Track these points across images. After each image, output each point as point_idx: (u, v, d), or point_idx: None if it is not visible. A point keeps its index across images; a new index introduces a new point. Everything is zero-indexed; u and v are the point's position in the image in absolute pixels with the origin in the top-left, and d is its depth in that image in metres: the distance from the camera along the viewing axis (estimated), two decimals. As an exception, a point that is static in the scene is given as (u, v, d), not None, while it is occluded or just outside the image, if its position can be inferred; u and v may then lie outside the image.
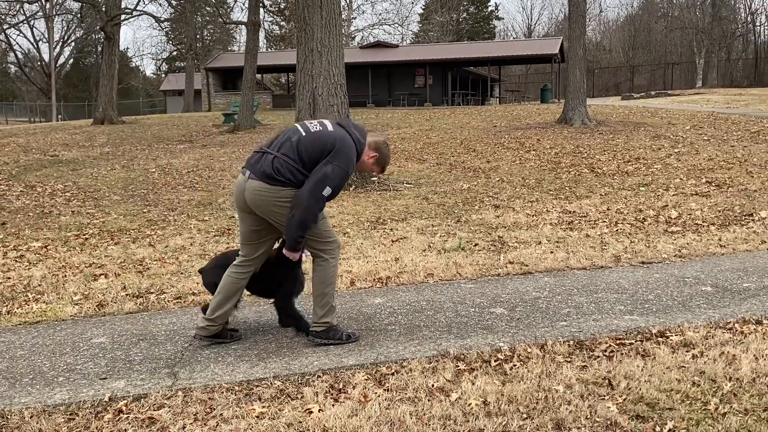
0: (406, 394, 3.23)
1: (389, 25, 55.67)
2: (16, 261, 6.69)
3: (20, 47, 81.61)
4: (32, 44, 71.02)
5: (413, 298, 4.91)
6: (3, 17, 40.00)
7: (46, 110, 48.02)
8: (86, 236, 7.91)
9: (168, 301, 5.10)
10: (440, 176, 11.91)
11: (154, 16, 31.29)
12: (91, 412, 3.17)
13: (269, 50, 47.30)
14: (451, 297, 4.91)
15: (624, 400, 3.10)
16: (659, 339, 3.87)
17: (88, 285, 5.64)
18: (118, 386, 3.44)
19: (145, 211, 9.65)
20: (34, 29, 58.83)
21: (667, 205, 8.59)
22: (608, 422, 2.90)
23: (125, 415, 3.12)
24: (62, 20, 49.42)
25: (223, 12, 40.04)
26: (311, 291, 3.97)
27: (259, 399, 3.25)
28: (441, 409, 3.06)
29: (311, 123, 3.89)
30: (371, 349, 3.84)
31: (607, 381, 3.30)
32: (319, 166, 3.66)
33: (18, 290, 5.56)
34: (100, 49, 47.24)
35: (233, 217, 8.61)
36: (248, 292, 4.25)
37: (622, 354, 3.66)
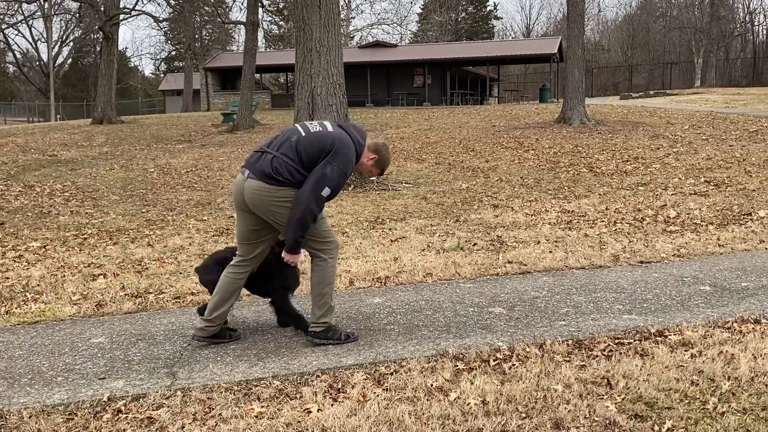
0: (404, 393, 3.23)
1: (388, 24, 55.84)
2: (15, 261, 6.68)
3: (19, 47, 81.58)
4: (31, 44, 70.97)
5: (412, 297, 4.92)
6: (1, 17, 39.97)
7: (44, 110, 47.99)
8: (85, 236, 7.91)
9: (167, 301, 5.10)
10: (439, 176, 11.91)
11: (152, 16, 31.26)
12: (89, 412, 3.16)
13: (268, 50, 47.31)
14: (449, 296, 4.91)
15: (622, 399, 3.10)
16: (658, 338, 3.88)
17: (87, 285, 5.64)
18: (116, 386, 3.43)
19: (143, 211, 9.65)
20: (32, 29, 58.73)
21: (665, 205, 8.60)
22: (607, 421, 2.90)
23: (124, 415, 3.12)
24: (61, 20, 49.42)
25: (222, 12, 40.07)
26: (310, 291, 3.97)
27: (258, 399, 3.25)
28: (440, 408, 3.06)
29: (311, 124, 3.89)
30: (370, 348, 3.84)
31: (605, 380, 3.30)
32: (318, 166, 3.66)
33: (17, 290, 5.56)
34: (98, 48, 47.21)
35: (232, 216, 8.61)
36: (247, 292, 4.25)
37: (620, 353, 3.66)
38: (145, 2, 77.82)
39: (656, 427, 2.84)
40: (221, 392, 3.32)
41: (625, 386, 3.23)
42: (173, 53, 56.02)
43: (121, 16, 27.15)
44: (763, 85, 36.34)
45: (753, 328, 3.99)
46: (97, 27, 32.44)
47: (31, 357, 3.93)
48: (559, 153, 13.53)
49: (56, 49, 50.24)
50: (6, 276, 6.05)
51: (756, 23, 50.98)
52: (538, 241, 6.76)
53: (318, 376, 3.49)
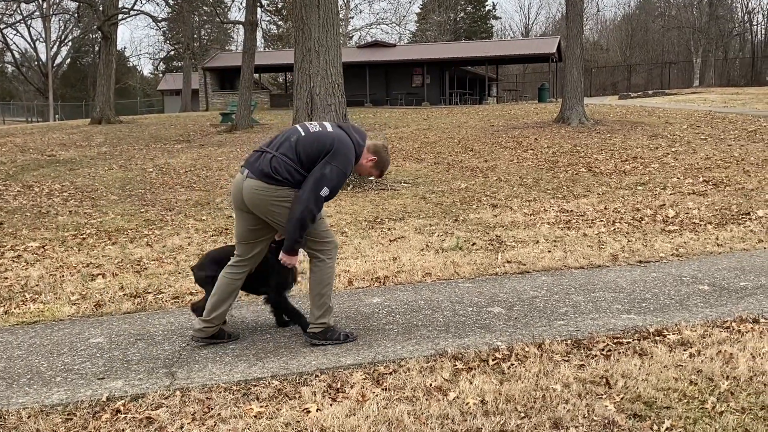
0: (404, 393, 3.24)
1: (387, 24, 55.79)
2: (14, 261, 6.68)
3: (17, 47, 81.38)
4: (29, 44, 70.94)
5: (411, 297, 4.92)
6: (0, 17, 39.94)
7: (43, 110, 47.95)
8: (84, 236, 7.90)
9: (166, 300, 5.10)
10: (438, 175, 11.91)
11: (151, 16, 31.18)
12: (88, 412, 3.16)
13: (267, 50, 47.30)
14: (448, 296, 4.91)
15: (621, 398, 3.10)
16: (656, 338, 3.88)
17: (86, 285, 5.63)
18: (115, 386, 3.43)
19: (142, 210, 9.64)
20: (31, 29, 58.91)
21: (664, 204, 8.61)
22: (606, 421, 2.90)
23: (123, 415, 3.12)
24: (59, 20, 49.41)
25: (221, 11, 40.07)
26: (308, 291, 3.96)
27: (257, 399, 3.25)
28: (439, 408, 3.06)
29: (311, 124, 3.90)
30: (369, 348, 3.84)
31: (604, 380, 3.30)
32: (317, 166, 3.67)
33: (15, 290, 5.55)
34: (97, 48, 47.24)
35: (231, 216, 8.60)
36: (243, 292, 4.25)
37: (619, 353, 3.66)
38: (143, 2, 77.76)
39: (655, 427, 2.84)
40: (220, 392, 3.32)
41: (623, 386, 3.23)
42: (172, 53, 56.00)
43: (120, 16, 27.13)
44: (761, 84, 36.38)
45: (751, 328, 3.99)
46: (95, 27, 32.44)
47: (30, 357, 3.93)
48: (558, 153, 13.53)
49: (55, 49, 50.24)
50: (5, 276, 6.04)
51: (754, 23, 51.04)
52: (537, 241, 6.77)
53: (317, 375, 3.49)
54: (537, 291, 4.98)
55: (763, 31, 49.97)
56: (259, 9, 25.55)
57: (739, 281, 5.09)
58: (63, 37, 51.69)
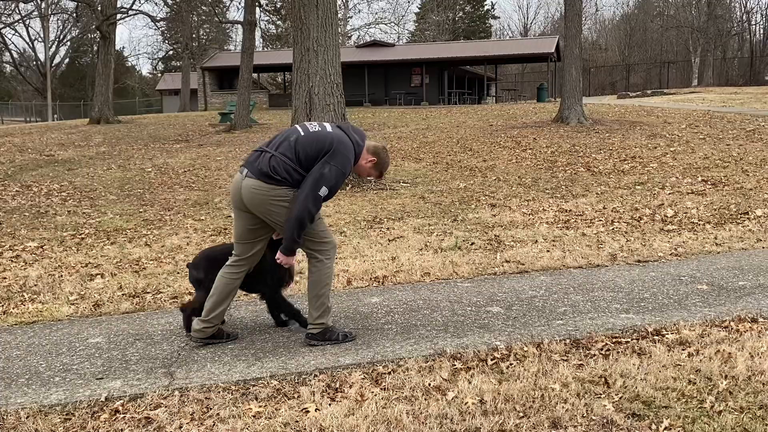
0: (402, 393, 3.24)
1: (385, 24, 55.74)
2: (12, 261, 6.67)
3: (15, 47, 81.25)
4: (28, 44, 70.71)
5: (410, 297, 4.92)
6: (-2, 16, 39.91)
7: (41, 110, 47.89)
8: (82, 236, 7.90)
9: (164, 300, 5.09)
10: (437, 175, 11.91)
11: (150, 16, 31.13)
12: (87, 412, 3.16)
13: (265, 49, 47.30)
14: (447, 296, 4.91)
15: (620, 398, 3.10)
16: (655, 337, 3.88)
17: (85, 285, 5.63)
18: (114, 386, 3.43)
19: (141, 210, 9.64)
20: (29, 28, 58.82)
21: (663, 204, 8.61)
22: (604, 420, 2.90)
23: (122, 415, 3.12)
24: (58, 19, 49.41)
25: (219, 11, 40.07)
26: (307, 292, 3.96)
27: (256, 398, 3.25)
28: (438, 408, 3.06)
29: (311, 124, 3.90)
30: (368, 348, 3.84)
31: (603, 379, 3.31)
32: (316, 166, 3.67)
33: (14, 290, 5.55)
34: (95, 48, 47.09)
35: (230, 216, 8.60)
36: (242, 291, 4.25)
37: (618, 352, 3.66)
38: (142, 2, 77.52)
39: (654, 426, 2.85)
40: (219, 392, 3.32)
41: (622, 385, 3.23)
42: (170, 53, 55.98)
43: (119, 16, 27.12)
44: (760, 84, 36.40)
45: (750, 327, 3.99)
46: (94, 26, 32.38)
47: (29, 357, 3.93)
48: (557, 152, 13.54)
49: (53, 48, 50.23)
50: (3, 276, 6.04)
51: (753, 22, 51.09)
52: (536, 241, 6.77)
53: (316, 375, 3.49)
54: (536, 290, 4.98)
55: (761, 31, 50.02)
56: (257, 9, 25.56)
57: (737, 281, 5.10)
58: (61, 36, 51.73)
